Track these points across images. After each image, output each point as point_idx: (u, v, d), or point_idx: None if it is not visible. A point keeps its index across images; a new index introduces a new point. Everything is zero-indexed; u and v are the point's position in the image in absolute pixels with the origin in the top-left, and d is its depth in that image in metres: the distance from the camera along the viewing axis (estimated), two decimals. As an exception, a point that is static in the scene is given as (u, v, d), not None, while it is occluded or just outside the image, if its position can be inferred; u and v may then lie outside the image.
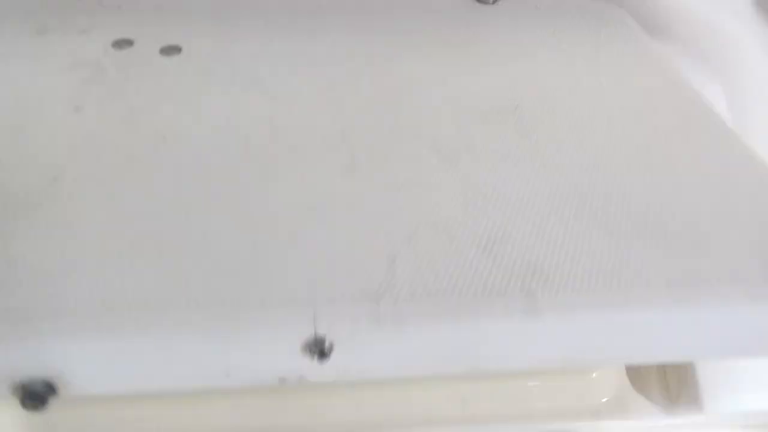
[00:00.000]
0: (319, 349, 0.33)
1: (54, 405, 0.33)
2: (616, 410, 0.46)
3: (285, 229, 0.38)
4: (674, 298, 0.34)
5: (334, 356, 0.33)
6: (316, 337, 0.33)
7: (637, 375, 0.49)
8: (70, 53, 0.57)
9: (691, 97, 0.52)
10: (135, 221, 0.39)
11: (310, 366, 0.33)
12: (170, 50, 0.58)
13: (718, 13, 0.74)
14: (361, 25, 0.62)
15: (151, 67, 0.56)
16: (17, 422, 0.43)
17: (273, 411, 0.45)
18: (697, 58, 0.72)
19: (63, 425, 0.44)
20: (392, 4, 0.67)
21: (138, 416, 0.45)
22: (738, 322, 0.34)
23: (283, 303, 0.33)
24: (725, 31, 0.73)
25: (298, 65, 0.56)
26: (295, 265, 0.35)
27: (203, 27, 0.62)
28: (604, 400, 0.47)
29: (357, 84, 0.53)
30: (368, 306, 0.33)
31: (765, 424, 0.49)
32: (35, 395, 0.33)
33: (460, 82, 0.54)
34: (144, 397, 0.44)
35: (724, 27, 0.73)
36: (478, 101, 0.51)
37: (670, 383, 0.49)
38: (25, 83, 0.53)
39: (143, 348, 0.32)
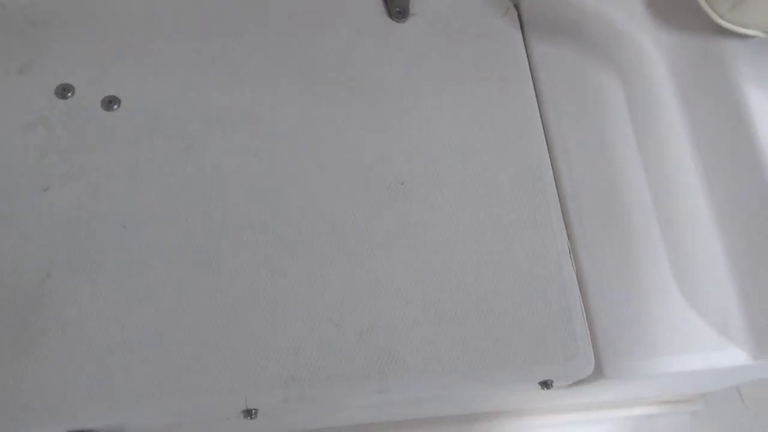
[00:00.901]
0: (249, 415, 0.53)
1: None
2: None
3: (221, 327, 0.55)
4: (476, 378, 0.54)
5: (260, 418, 0.53)
6: (248, 408, 0.53)
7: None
8: (17, 106, 0.64)
9: (543, 181, 0.67)
10: (113, 319, 0.54)
11: (247, 422, 0.53)
12: (110, 102, 0.66)
13: (616, 14, 0.82)
14: (285, 69, 0.70)
15: (95, 125, 0.65)
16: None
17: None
18: (597, 57, 0.81)
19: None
20: (311, 26, 0.73)
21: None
22: (510, 386, 0.56)
23: (224, 388, 0.52)
24: (623, 31, 0.81)
25: (217, 124, 0.66)
26: (231, 358, 0.53)
27: (141, 70, 0.68)
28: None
29: (275, 151, 0.64)
30: (280, 390, 0.52)
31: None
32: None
33: (359, 146, 0.66)
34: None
35: (621, 28, 0.82)
36: (372, 174, 0.64)
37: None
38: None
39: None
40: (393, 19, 0.77)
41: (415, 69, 0.73)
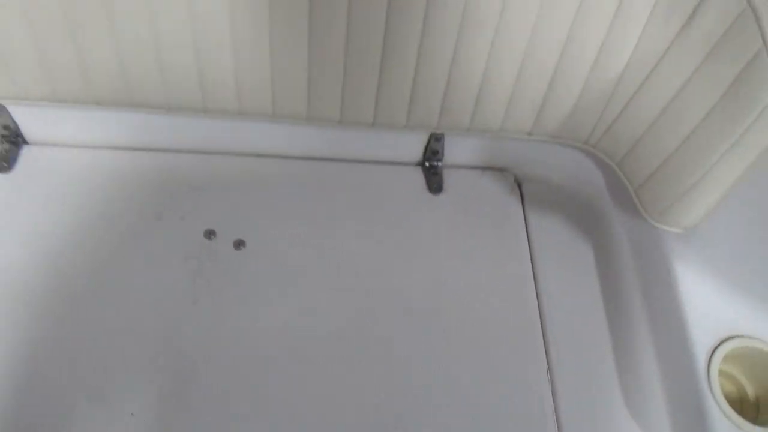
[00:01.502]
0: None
1: None
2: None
3: (306, 418, 0.84)
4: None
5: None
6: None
7: None
8: (179, 243, 0.97)
9: (531, 326, 0.96)
10: (240, 404, 0.83)
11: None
12: (239, 244, 0.99)
13: (592, 196, 1.12)
14: (354, 232, 1.03)
15: (228, 260, 0.97)
16: None
17: None
18: (577, 226, 1.11)
19: None
20: (368, 201, 1.06)
21: None
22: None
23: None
24: (596, 209, 1.11)
25: (313, 268, 0.98)
26: None
27: (260, 222, 1.02)
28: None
29: (351, 297, 0.96)
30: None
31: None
32: None
33: (404, 283, 0.98)
34: None
35: (595, 206, 1.12)
36: (410, 303, 0.95)
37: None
38: (157, 273, 0.94)
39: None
40: (431, 193, 1.09)
41: (443, 229, 1.04)
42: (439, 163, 1.11)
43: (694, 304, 0.89)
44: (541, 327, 0.97)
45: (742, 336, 0.89)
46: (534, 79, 0.91)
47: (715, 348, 0.87)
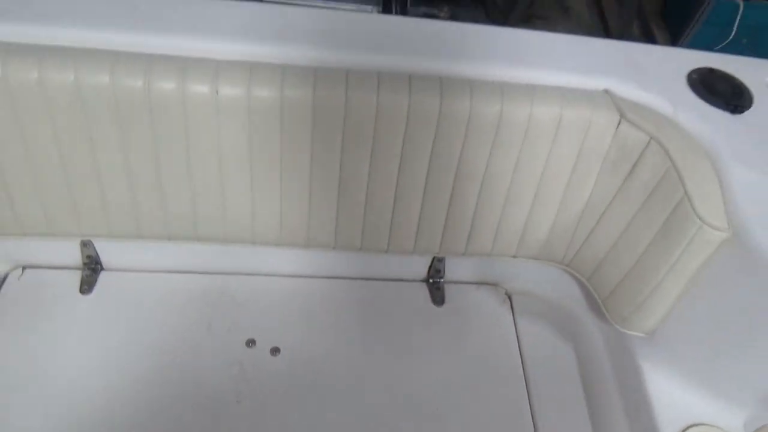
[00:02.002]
0: None
1: None
2: None
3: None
4: None
5: None
6: None
7: None
8: (225, 351, 1.15)
9: (521, 421, 1.13)
10: None
11: None
12: (275, 351, 1.17)
13: (570, 305, 1.33)
14: (367, 342, 1.22)
15: (266, 366, 1.15)
16: None
17: None
18: (560, 332, 1.31)
19: None
20: (382, 312, 1.26)
21: None
22: None
23: None
24: (575, 317, 1.31)
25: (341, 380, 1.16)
26: None
27: (293, 332, 1.21)
28: None
29: (367, 395, 1.14)
30: None
31: None
32: None
33: (412, 384, 1.16)
34: None
35: (575, 315, 1.32)
36: (417, 402, 1.12)
37: None
38: (207, 376, 1.11)
39: None
40: (435, 305, 1.29)
41: (445, 336, 1.23)
42: (441, 280, 1.32)
43: (660, 397, 1.06)
44: (532, 419, 1.13)
45: (703, 424, 1.05)
46: (514, 215, 1.15)
47: (681, 434, 1.04)
